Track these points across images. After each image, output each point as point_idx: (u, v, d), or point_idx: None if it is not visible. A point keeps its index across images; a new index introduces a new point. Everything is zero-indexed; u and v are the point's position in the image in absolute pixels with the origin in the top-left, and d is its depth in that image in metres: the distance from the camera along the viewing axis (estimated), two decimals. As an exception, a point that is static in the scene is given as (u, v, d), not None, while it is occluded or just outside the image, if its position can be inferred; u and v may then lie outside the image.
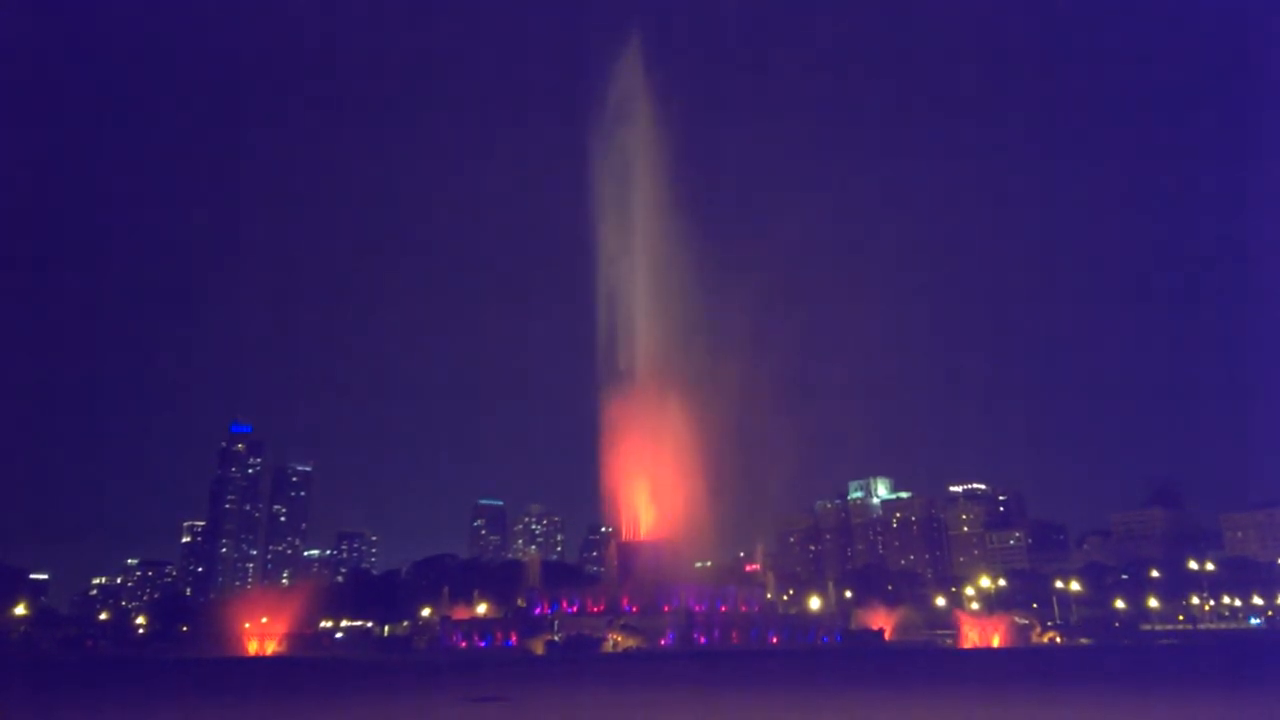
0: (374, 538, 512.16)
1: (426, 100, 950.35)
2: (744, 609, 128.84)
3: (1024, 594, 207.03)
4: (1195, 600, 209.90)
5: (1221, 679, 51.72)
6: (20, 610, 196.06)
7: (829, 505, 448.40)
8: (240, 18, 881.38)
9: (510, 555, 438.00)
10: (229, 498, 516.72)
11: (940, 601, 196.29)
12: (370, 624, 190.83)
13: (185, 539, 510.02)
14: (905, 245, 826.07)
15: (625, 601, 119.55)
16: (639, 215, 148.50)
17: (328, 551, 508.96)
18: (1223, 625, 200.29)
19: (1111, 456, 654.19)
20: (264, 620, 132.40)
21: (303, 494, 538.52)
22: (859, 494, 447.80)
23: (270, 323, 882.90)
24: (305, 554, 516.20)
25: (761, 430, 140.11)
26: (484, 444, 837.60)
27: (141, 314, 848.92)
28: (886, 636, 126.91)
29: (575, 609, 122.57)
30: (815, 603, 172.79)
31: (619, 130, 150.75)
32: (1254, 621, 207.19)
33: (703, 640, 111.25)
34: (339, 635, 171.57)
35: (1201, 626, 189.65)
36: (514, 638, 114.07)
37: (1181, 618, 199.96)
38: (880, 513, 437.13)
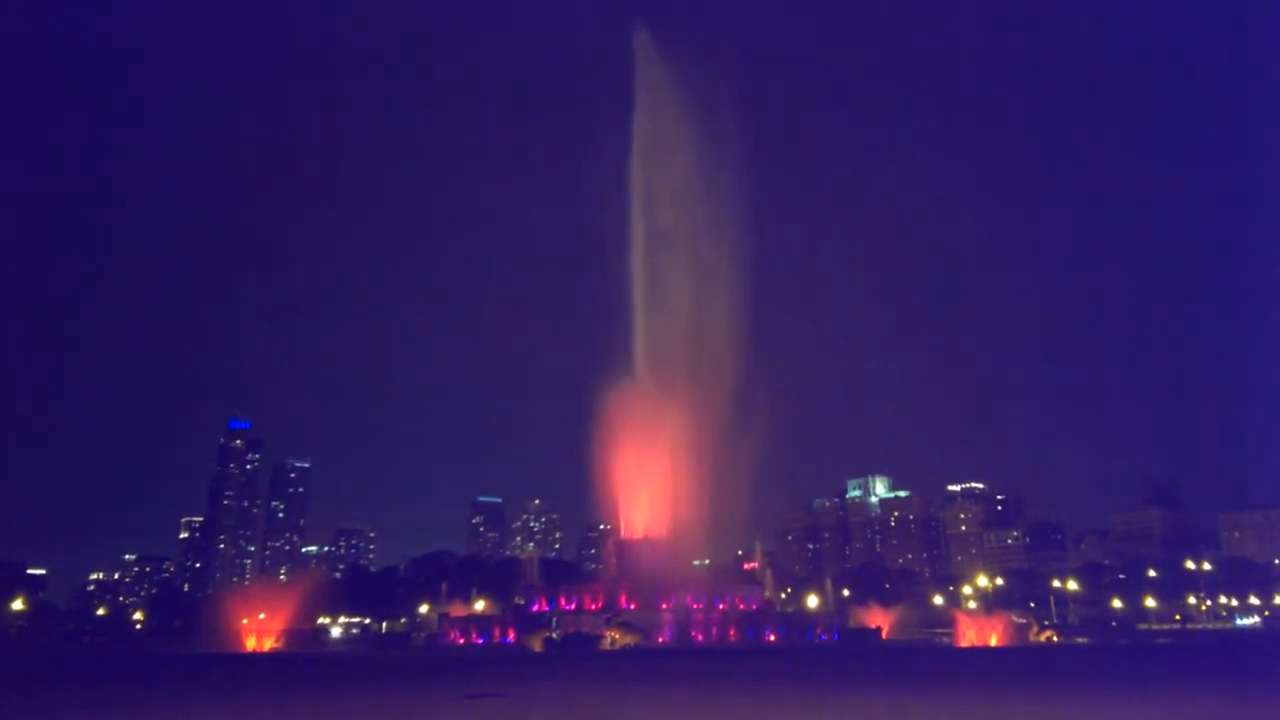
0: (372, 534, 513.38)
1: (427, 97, 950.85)
2: (742, 607, 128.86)
3: (1022, 593, 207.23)
4: (1192, 600, 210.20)
5: (1218, 678, 51.81)
6: (18, 605, 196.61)
7: (827, 504, 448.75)
8: (239, 15, 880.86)
9: (508, 552, 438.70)
10: (227, 494, 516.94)
11: (938, 600, 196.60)
12: (368, 620, 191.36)
13: (183, 535, 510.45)
14: (904, 246, 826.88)
15: (623, 599, 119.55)
16: (639, 213, 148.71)
17: (326, 548, 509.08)
18: (1217, 625, 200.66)
19: (1110, 456, 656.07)
20: (262, 616, 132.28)
21: (301, 490, 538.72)
22: (857, 493, 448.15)
23: (269, 319, 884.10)
24: (303, 550, 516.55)
25: (760, 429, 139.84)
26: (483, 441, 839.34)
27: (141, 310, 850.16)
28: (884, 635, 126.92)
29: (573, 606, 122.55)
30: (813, 601, 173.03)
31: (620, 127, 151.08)
32: (1240, 621, 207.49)
33: (700, 638, 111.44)
34: (337, 631, 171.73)
35: (1194, 626, 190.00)
36: (512, 635, 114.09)
37: (1178, 617, 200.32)
38: (878, 511, 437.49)
